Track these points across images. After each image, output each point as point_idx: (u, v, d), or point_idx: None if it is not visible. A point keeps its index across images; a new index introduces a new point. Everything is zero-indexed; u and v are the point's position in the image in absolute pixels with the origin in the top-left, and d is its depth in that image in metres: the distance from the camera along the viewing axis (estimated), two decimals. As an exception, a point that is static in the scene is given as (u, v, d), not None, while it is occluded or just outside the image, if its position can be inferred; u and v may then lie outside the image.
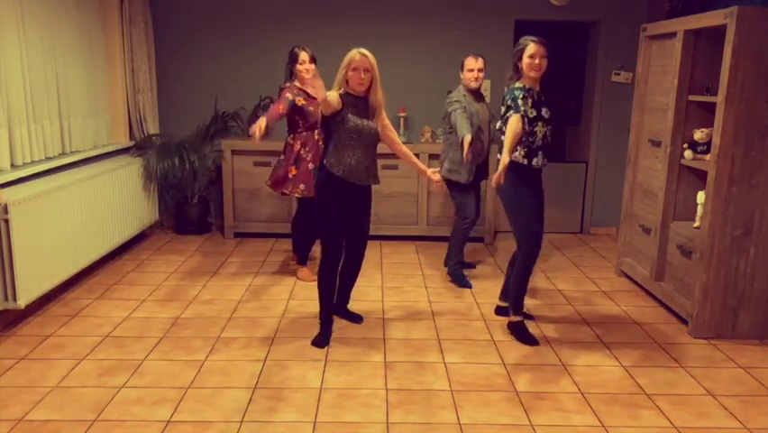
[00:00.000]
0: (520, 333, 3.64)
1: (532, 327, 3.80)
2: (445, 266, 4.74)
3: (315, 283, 3.66)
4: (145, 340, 3.56)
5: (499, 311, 3.97)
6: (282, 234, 5.43)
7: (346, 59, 3.37)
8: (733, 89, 3.46)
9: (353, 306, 3.99)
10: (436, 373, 3.23)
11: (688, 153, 4.03)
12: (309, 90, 4.07)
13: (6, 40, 3.82)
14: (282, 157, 4.42)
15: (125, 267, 4.84)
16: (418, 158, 5.52)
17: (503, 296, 3.95)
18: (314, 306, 4.06)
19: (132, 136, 5.53)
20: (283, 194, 4.44)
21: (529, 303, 4.18)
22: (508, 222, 3.68)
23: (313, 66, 4.16)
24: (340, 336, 3.65)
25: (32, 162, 4.13)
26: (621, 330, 3.82)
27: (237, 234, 5.71)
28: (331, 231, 3.49)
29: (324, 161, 3.44)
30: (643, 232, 4.50)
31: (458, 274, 4.58)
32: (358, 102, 3.42)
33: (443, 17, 5.75)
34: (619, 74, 5.82)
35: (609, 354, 3.49)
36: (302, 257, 4.67)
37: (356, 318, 3.87)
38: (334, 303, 3.76)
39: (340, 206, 3.45)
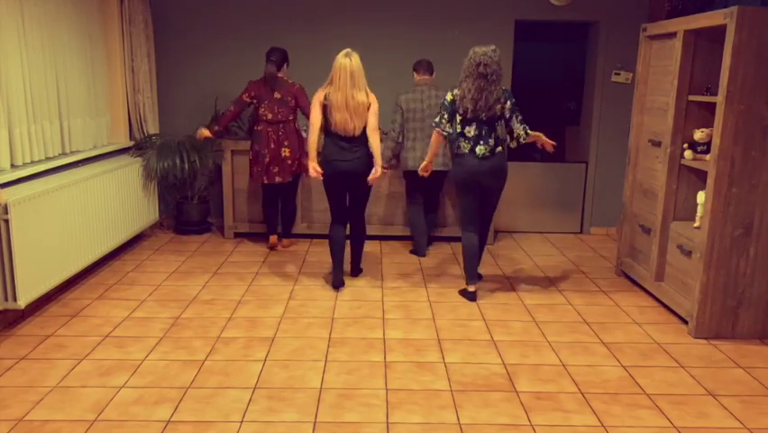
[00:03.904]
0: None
1: (531, 327, 3.81)
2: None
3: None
4: (145, 340, 3.56)
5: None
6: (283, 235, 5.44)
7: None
8: (733, 89, 3.46)
9: (354, 304, 4.02)
10: (436, 373, 3.23)
11: (688, 153, 4.03)
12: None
13: (6, 40, 3.82)
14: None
15: (125, 267, 4.84)
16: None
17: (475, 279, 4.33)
18: (314, 306, 4.09)
19: (132, 136, 5.52)
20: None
21: (529, 303, 4.21)
22: (496, 205, 4.32)
23: None
24: (340, 337, 3.65)
25: (32, 162, 4.13)
26: (621, 330, 3.82)
27: (237, 235, 5.71)
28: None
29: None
30: (643, 232, 4.50)
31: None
32: None
33: (443, 17, 5.76)
34: (619, 74, 5.82)
35: (609, 354, 3.49)
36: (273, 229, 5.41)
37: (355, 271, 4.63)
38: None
39: (329, 185, 4.34)
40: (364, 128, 4.15)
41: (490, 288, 4.48)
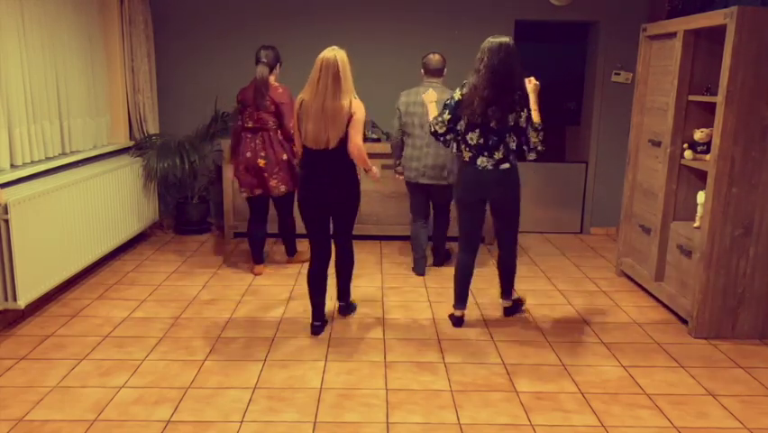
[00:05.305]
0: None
1: (531, 327, 3.81)
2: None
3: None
4: (145, 340, 3.56)
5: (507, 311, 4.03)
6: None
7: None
8: (733, 89, 3.46)
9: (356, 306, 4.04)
10: (436, 373, 3.23)
11: (688, 153, 4.03)
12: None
13: (6, 40, 3.82)
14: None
15: (125, 267, 4.84)
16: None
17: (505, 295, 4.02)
18: (314, 306, 4.10)
19: (132, 136, 5.53)
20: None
21: (529, 303, 4.21)
22: (514, 221, 3.77)
23: None
24: (340, 337, 3.65)
25: (32, 162, 4.13)
26: (621, 330, 3.82)
27: (237, 235, 5.71)
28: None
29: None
30: (643, 232, 4.49)
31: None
32: None
33: (443, 17, 5.76)
34: (619, 74, 5.82)
35: (609, 354, 3.49)
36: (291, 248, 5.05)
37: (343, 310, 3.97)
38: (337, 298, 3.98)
39: (303, 210, 3.65)
40: (340, 143, 3.42)
41: (490, 288, 4.48)
